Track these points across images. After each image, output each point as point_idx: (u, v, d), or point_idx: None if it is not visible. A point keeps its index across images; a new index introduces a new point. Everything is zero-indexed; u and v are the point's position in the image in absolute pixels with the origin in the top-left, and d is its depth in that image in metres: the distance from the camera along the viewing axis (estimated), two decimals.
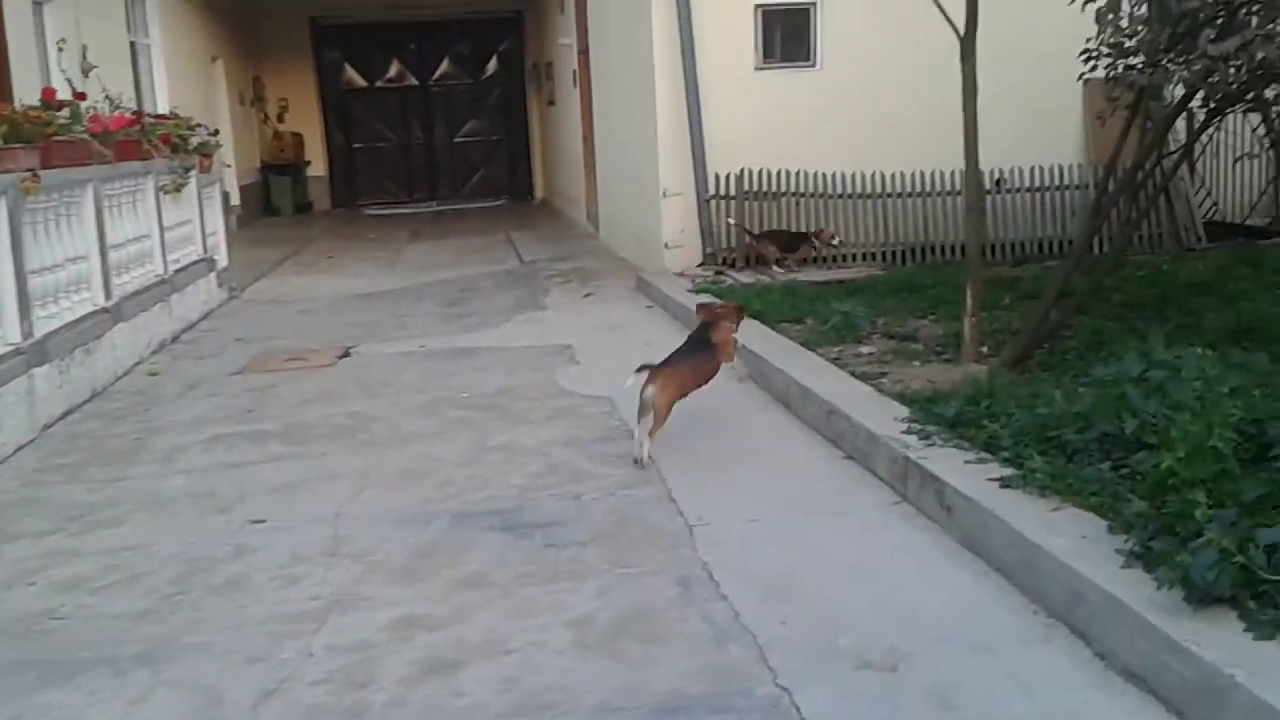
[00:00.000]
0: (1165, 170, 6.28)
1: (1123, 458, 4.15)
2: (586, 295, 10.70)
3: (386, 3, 21.47)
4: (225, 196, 18.45)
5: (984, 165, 10.57)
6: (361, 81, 23.66)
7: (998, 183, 10.79)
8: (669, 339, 8.37)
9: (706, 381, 5.71)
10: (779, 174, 10.53)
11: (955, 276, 9.38)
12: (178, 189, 9.83)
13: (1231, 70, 4.65)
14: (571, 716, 3.12)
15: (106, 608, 4.01)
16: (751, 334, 7.44)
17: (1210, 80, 4.82)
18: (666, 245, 10.83)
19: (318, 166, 23.58)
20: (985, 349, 6.61)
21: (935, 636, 3.48)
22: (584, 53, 14.67)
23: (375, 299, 11.42)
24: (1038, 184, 10.79)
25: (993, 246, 10.60)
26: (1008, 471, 4.32)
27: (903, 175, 10.55)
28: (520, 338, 8.81)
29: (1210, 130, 5.89)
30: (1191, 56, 4.70)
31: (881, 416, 5.24)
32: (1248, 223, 10.61)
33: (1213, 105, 5.51)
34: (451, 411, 6.61)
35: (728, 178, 10.49)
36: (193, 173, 10.56)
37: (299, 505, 5.09)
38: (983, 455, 4.55)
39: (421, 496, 5.10)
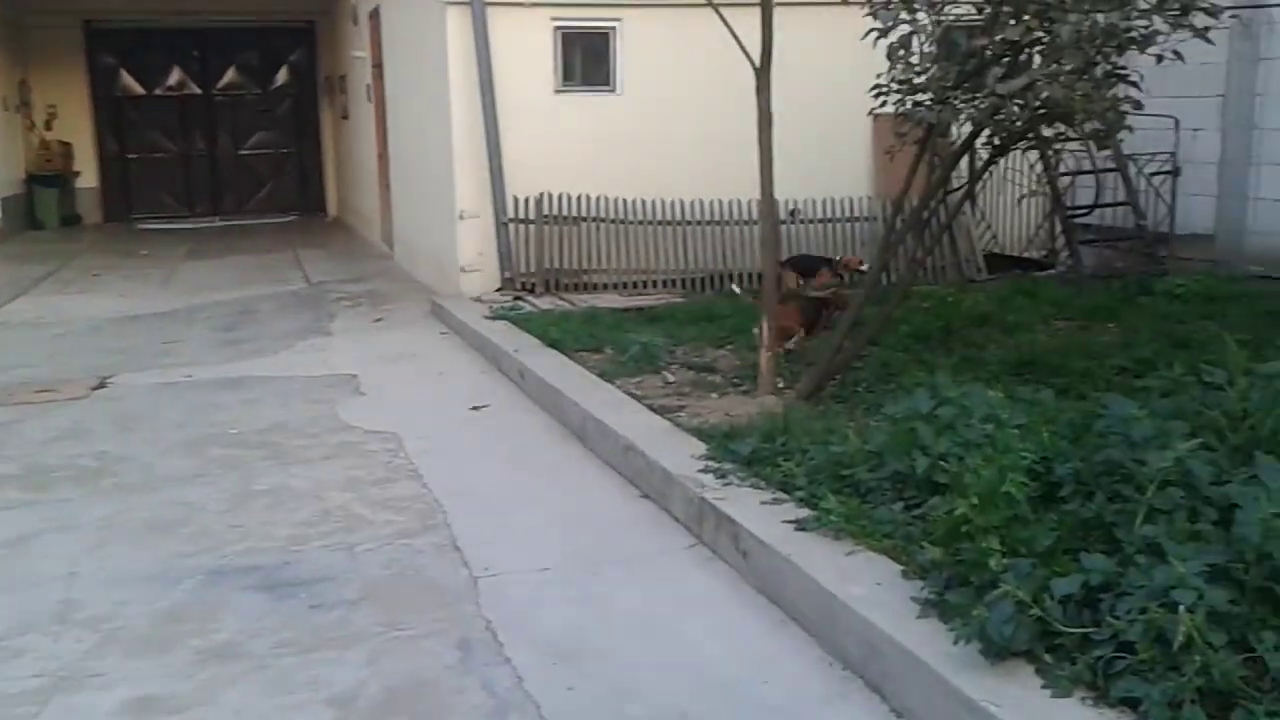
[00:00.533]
0: (950, 206, 6.38)
1: (915, 498, 4.08)
2: (377, 320, 10.18)
3: (167, 7, 20.20)
4: None
5: (779, 195, 10.82)
6: (139, 89, 22.14)
7: (792, 213, 10.90)
8: (463, 368, 8.05)
9: None
10: (579, 198, 10.32)
11: (753, 305, 9.42)
12: None
13: (1016, 108, 4.70)
14: None
15: None
16: (547, 365, 7.18)
17: (996, 118, 4.86)
18: (463, 269, 10.43)
19: (89, 178, 21.90)
20: (781, 381, 6.55)
21: (730, 698, 3.27)
22: (378, 66, 14.12)
23: (141, 322, 10.54)
24: (829, 215, 10.97)
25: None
26: (803, 513, 4.18)
27: (702, 203, 10.52)
28: (301, 366, 8.23)
29: (991, 166, 5.99)
30: (979, 95, 4.73)
31: (678, 453, 5.04)
32: (1025, 255, 11.07)
33: (997, 142, 5.60)
34: (215, 450, 6.03)
35: (527, 201, 10.20)
36: None
37: (28, 563, 4.47)
38: (779, 495, 4.40)
39: (171, 550, 4.56)
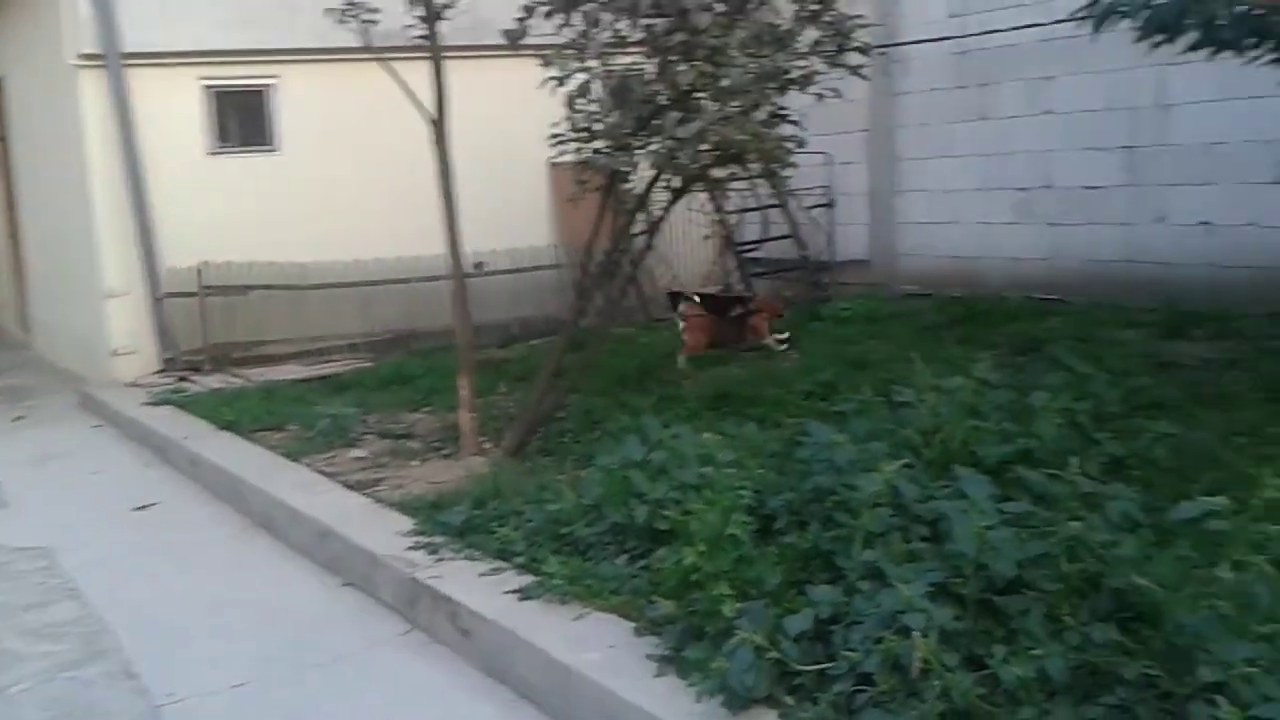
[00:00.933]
0: (636, 249, 6.41)
1: (638, 548, 3.95)
2: (17, 419, 8.99)
3: None
4: None
5: (463, 248, 10.62)
6: None
7: (478, 265, 10.72)
8: (124, 463, 7.22)
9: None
10: (245, 265, 9.63)
11: (445, 363, 9.08)
12: None
13: (692, 151, 4.74)
14: None
15: None
16: (222, 450, 6.57)
17: (675, 161, 4.89)
18: (114, 352, 9.46)
19: None
20: (485, 439, 6.30)
21: None
22: (2, 139, 12.70)
23: None
24: (516, 265, 10.87)
25: (477, 329, 10.47)
26: (526, 579, 3.95)
27: (382, 260, 10.11)
28: None
29: (670, 208, 6.07)
30: (657, 139, 4.74)
31: (382, 532, 4.68)
32: (704, 291, 11.44)
33: (676, 185, 5.66)
34: None
35: (187, 272, 9.40)
36: None
37: None
38: (497, 564, 4.15)
39: None
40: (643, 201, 5.60)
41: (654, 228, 6.21)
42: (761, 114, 4.76)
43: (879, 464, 3.41)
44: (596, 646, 3.36)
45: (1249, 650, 2.54)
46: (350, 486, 5.54)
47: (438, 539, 4.48)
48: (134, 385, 9.17)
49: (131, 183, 9.05)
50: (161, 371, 9.49)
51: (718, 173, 5.66)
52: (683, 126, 4.51)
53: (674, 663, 3.11)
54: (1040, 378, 4.91)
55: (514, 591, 3.85)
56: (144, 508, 6.12)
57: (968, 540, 2.93)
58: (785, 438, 5.07)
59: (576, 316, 6.03)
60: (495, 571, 4.08)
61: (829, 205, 10.86)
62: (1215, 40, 5.05)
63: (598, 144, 5.35)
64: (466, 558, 4.26)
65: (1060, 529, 2.98)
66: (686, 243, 11.12)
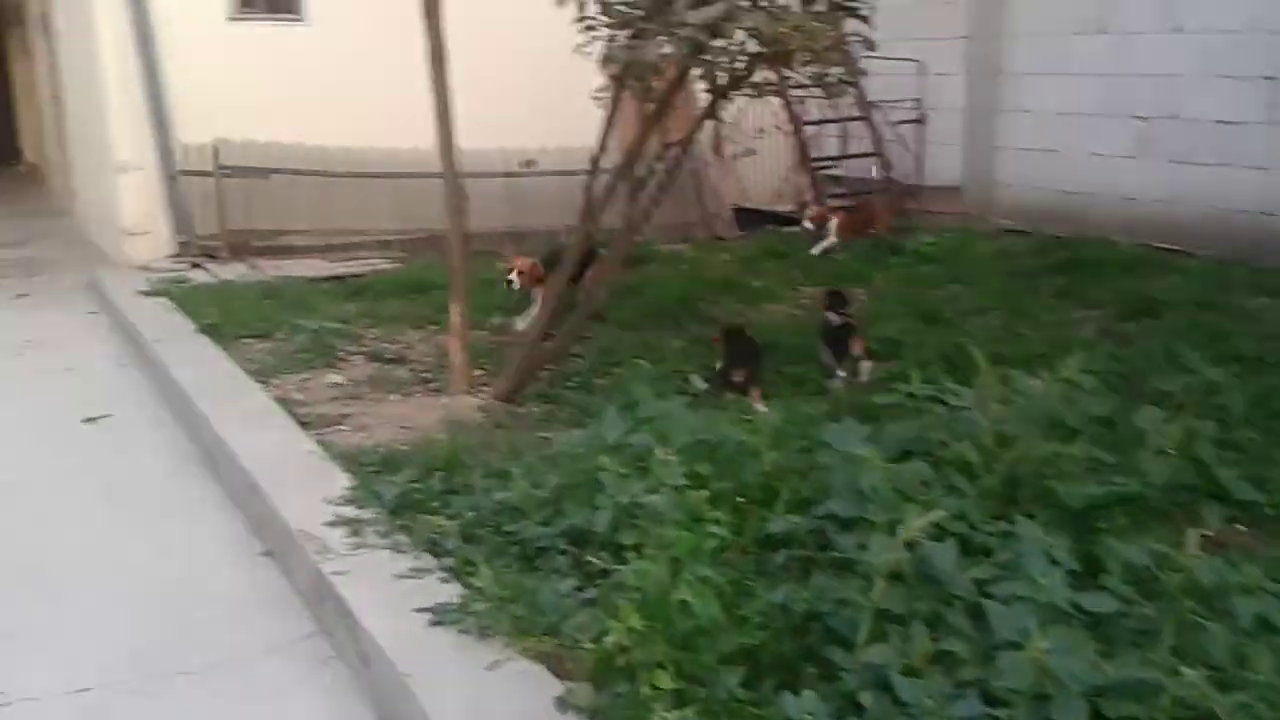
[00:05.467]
0: (674, 157, 5.38)
1: (596, 567, 3.04)
2: (20, 296, 8.38)
3: None
4: None
5: (514, 144, 9.64)
6: None
7: (528, 163, 9.79)
8: (101, 360, 6.51)
9: None
10: (266, 146, 8.79)
11: (481, 270, 8.26)
12: None
13: (722, 45, 3.69)
14: None
15: None
16: (189, 359, 5.81)
17: (703, 57, 3.84)
18: (128, 231, 8.76)
19: None
20: (484, 374, 5.44)
21: None
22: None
23: None
24: (568, 167, 9.85)
25: (521, 235, 9.58)
26: (448, 591, 3.09)
27: (417, 152, 9.17)
28: None
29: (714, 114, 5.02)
30: (672, 26, 3.69)
31: (311, 495, 3.84)
32: (776, 209, 10.34)
33: (717, 88, 4.61)
34: None
35: (200, 149, 8.60)
36: None
37: None
38: (422, 563, 3.29)
39: None
40: (667, 102, 4.57)
41: (690, 135, 5.18)
42: (819, 3, 3.67)
43: (908, 513, 2.43)
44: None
45: None
46: (305, 423, 4.73)
47: (367, 514, 3.64)
48: (145, 269, 8.48)
49: (141, 45, 8.21)
50: (176, 256, 8.79)
51: (767, 75, 4.61)
52: (698, 11, 3.46)
53: None
54: (1152, 373, 3.83)
55: (427, 610, 2.99)
56: (94, 419, 5.41)
57: (1019, 672, 1.96)
58: (826, 413, 4.12)
59: (585, 236, 5.06)
60: (416, 573, 3.22)
61: (919, 121, 9.59)
62: None
63: (623, 32, 4.32)
64: (391, 546, 3.41)
65: (1159, 654, 1.99)
66: (758, 156, 9.98)
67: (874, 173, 9.60)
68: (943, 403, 3.33)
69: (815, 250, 8.39)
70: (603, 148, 4.95)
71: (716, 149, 10.16)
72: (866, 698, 2.12)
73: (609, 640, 2.24)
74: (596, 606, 2.77)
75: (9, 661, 3.18)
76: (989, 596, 2.27)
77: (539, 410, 4.89)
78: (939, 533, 2.52)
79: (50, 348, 6.82)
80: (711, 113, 4.97)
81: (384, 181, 9.20)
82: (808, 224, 8.59)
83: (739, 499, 3.12)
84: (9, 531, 4.11)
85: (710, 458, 3.34)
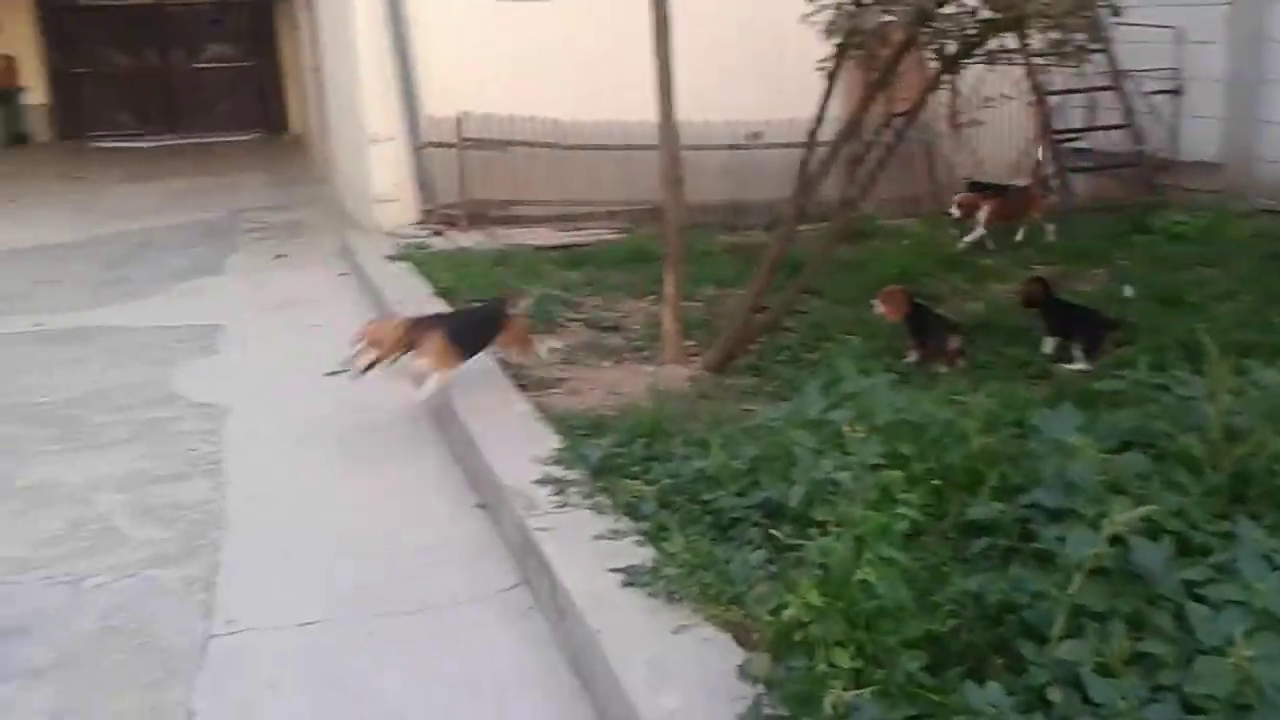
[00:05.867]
0: (898, 129, 5.22)
1: (788, 540, 3.03)
2: (279, 257, 9.08)
3: None
4: None
5: (745, 116, 9.60)
6: None
7: (754, 135, 9.75)
8: (348, 319, 6.92)
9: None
10: (507, 119, 9.13)
11: (696, 243, 8.33)
12: None
13: (956, 14, 3.55)
14: None
15: None
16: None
17: (930, 26, 3.71)
18: (378, 199, 9.30)
19: (37, 94, 20.68)
20: (696, 344, 5.50)
21: None
22: None
23: (28, 256, 9.47)
24: (794, 139, 9.75)
25: (744, 208, 9.57)
26: (643, 554, 3.15)
27: (646, 125, 9.28)
28: (165, 314, 7.19)
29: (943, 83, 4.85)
30: None
31: (523, 454, 4.00)
32: (1013, 184, 9.88)
33: (946, 56, 4.45)
34: (2, 428, 5.02)
35: (445, 121, 9.02)
36: None
37: None
38: (620, 525, 3.37)
39: None
40: (890, 70, 4.44)
41: (917, 106, 5.01)
42: None
43: (1113, 507, 2.29)
44: (682, 686, 2.52)
45: None
46: (524, 386, 4.91)
47: (572, 474, 3.76)
48: (391, 234, 9.00)
49: (392, 21, 8.67)
50: (420, 223, 9.27)
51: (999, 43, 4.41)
52: None
53: None
54: None
55: (621, 571, 3.06)
56: (335, 373, 5.79)
57: (1218, 678, 1.82)
58: (1046, 399, 3.95)
59: (798, 209, 5.00)
60: (613, 535, 3.30)
61: (1175, 92, 8.91)
62: None
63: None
64: (592, 507, 3.51)
65: None
66: (995, 127, 9.54)
67: (1122, 145, 9.01)
68: (1171, 392, 3.11)
69: (963, 243, 7.62)
70: (820, 119, 4.86)
71: (951, 121, 9.80)
72: (1055, 694, 2.02)
73: (786, 614, 2.23)
74: (779, 580, 2.77)
75: (242, 593, 3.47)
76: (1200, 599, 2.12)
77: (746, 383, 4.90)
78: (1153, 529, 2.37)
79: (303, 305, 7.36)
80: (939, 82, 4.80)
81: (614, 154, 9.37)
82: (954, 210, 7.80)
83: (939, 482, 3.04)
84: (250, 471, 4.48)
85: (914, 438, 3.26)
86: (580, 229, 9.17)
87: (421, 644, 3.16)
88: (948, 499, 3.19)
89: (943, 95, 9.70)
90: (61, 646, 3.16)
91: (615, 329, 5.94)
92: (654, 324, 5.77)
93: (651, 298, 6.53)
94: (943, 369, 4.75)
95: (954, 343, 4.79)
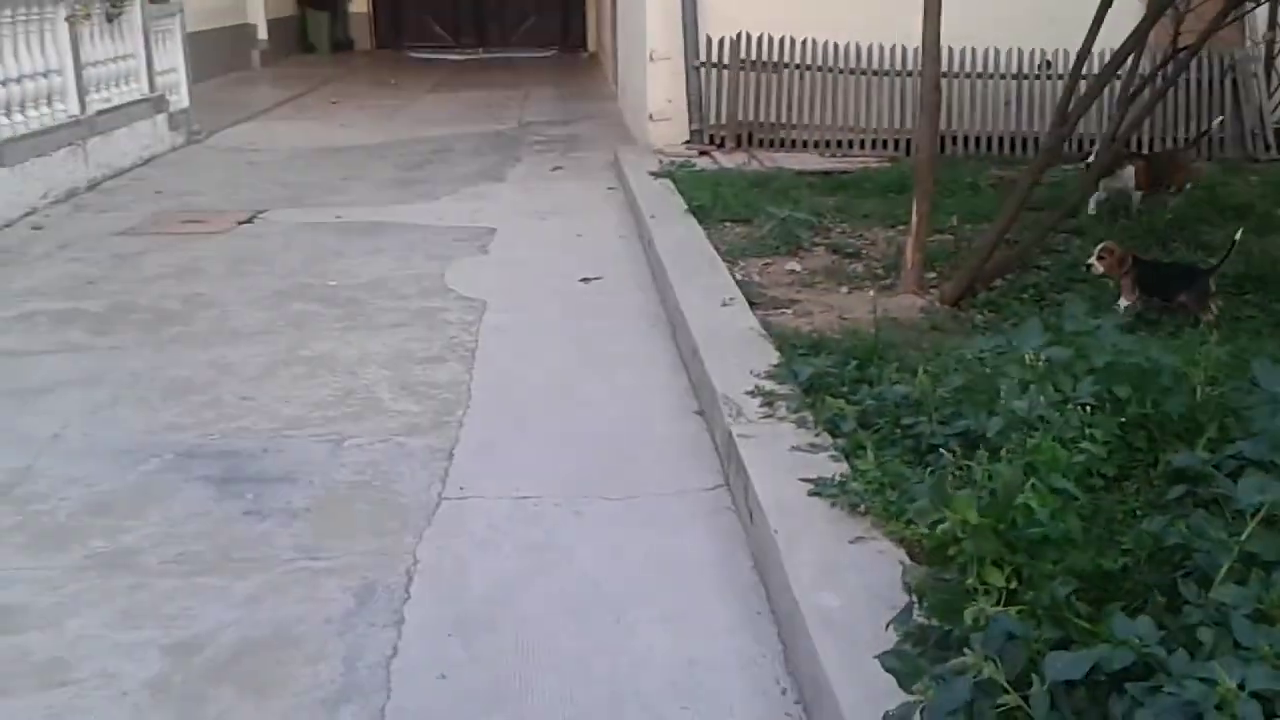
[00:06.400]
0: (1181, 62, 4.90)
1: (982, 470, 3.05)
2: (555, 169, 9.57)
3: None
4: (247, 29, 17.54)
5: (1038, 44, 9.15)
6: None
7: (1044, 65, 9.29)
8: (607, 230, 7.31)
9: None
10: (782, 41, 9.15)
11: (965, 174, 8.13)
12: (91, 18, 8.82)
13: None
14: None
15: None
16: (674, 236, 6.37)
17: None
18: (651, 117, 9.60)
19: (360, 3, 22.40)
20: (937, 275, 5.44)
21: None
22: None
23: (338, 155, 10.45)
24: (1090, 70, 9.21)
25: (1023, 142, 9.19)
26: (836, 469, 3.25)
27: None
28: (449, 215, 7.79)
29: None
30: None
31: (741, 366, 4.15)
32: None
33: None
34: (297, 305, 5.67)
35: (722, 42, 9.15)
36: (133, 1, 9.58)
37: (24, 417, 4.25)
38: (819, 439, 3.48)
39: (165, 421, 4.21)
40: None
41: (1203, 39, 4.68)
42: None
43: None
44: (847, 589, 2.64)
45: None
46: (756, 303, 5.05)
47: (783, 389, 3.88)
48: (660, 152, 9.28)
49: None
50: (688, 142, 9.50)
51: None
52: None
53: (899, 656, 2.31)
54: None
55: (810, 481, 3.18)
56: (588, 280, 6.15)
57: None
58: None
59: (1055, 144, 4.81)
60: (811, 448, 3.42)
61: None
62: None
63: None
64: (796, 421, 3.63)
65: None
66: None
67: None
68: None
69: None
70: (1088, 50, 4.63)
71: (1271, 59, 8.95)
72: (1205, 634, 1.99)
73: (941, 528, 2.29)
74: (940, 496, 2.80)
75: (474, 465, 3.84)
76: None
77: (982, 318, 4.82)
78: None
79: (569, 215, 7.76)
80: (1228, 14, 4.46)
81: (886, 79, 9.21)
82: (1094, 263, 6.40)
83: (1154, 428, 2.96)
84: (499, 361, 4.86)
85: (1133, 382, 3.17)
86: (848, 156, 9.13)
87: (622, 527, 3.41)
88: (1161, 446, 3.11)
89: (1261, 29, 8.88)
90: (318, 494, 3.63)
91: (858, 256, 5.95)
92: (898, 253, 5.73)
93: (902, 227, 6.45)
94: (1202, 318, 4.46)
95: (1197, 292, 4.48)
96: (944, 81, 9.15)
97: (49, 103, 8.22)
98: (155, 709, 2.56)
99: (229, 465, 3.83)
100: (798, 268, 5.73)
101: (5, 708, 2.56)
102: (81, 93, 8.60)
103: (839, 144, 9.28)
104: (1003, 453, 2.49)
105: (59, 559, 3.21)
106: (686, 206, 7.01)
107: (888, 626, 2.29)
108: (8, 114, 7.64)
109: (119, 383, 4.61)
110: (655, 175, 8.21)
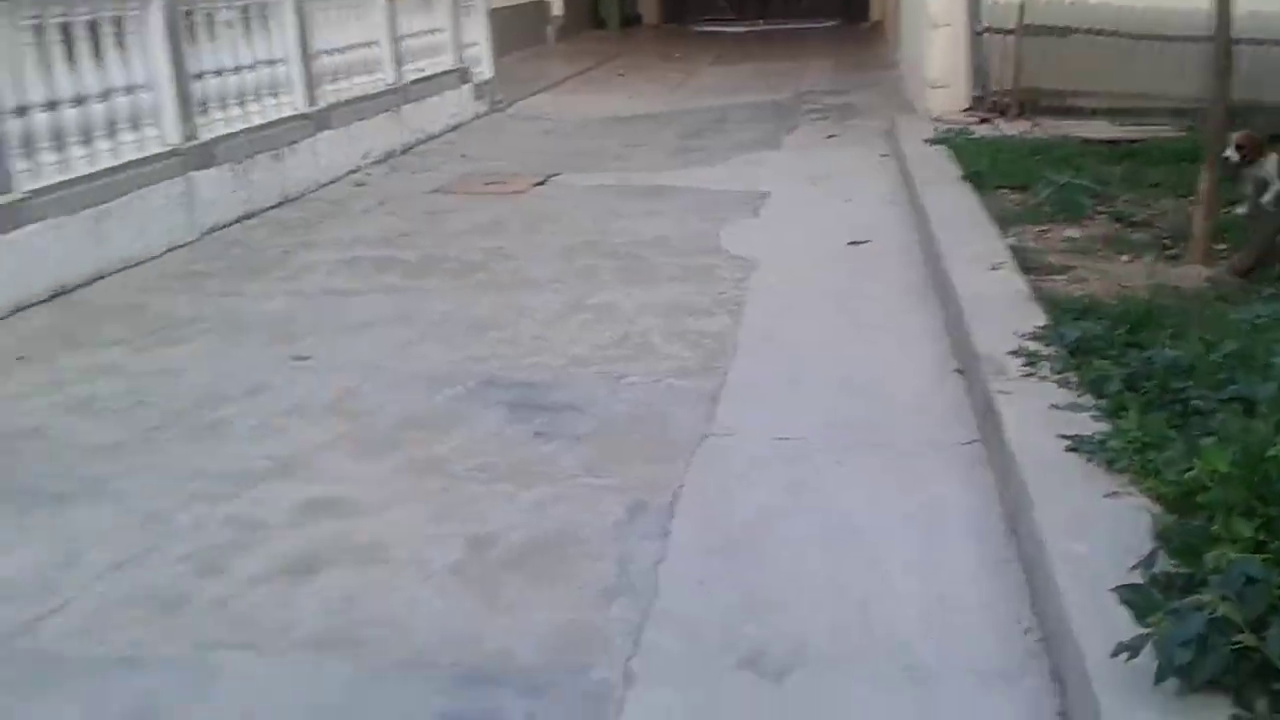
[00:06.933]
0: None
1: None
2: (830, 137, 9.68)
3: None
4: (542, 6, 18.51)
5: None
6: None
7: None
8: (876, 195, 7.39)
9: None
10: (1071, 4, 8.84)
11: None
12: None
13: None
14: (372, 658, 2.69)
15: (84, 436, 3.99)
16: (945, 201, 6.38)
17: None
18: (930, 84, 9.52)
19: None
20: (1226, 246, 5.22)
21: (861, 648, 2.69)
22: None
23: (624, 124, 10.98)
24: None
25: None
26: (1096, 428, 3.28)
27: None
28: (726, 180, 8.10)
29: None
30: None
31: (1005, 328, 4.19)
32: None
33: None
34: (585, 259, 6.13)
35: (1006, 7, 8.94)
36: None
37: (353, 348, 4.88)
38: (1081, 399, 3.50)
39: (468, 354, 4.72)
40: None
41: None
42: None
43: None
44: (1096, 537, 2.71)
45: None
46: (1028, 269, 5.03)
47: (1048, 350, 3.91)
48: (938, 120, 9.20)
49: None
50: (968, 109, 9.37)
51: None
52: None
53: (1136, 589, 2.38)
54: None
55: (1069, 438, 3.23)
56: (856, 243, 6.27)
57: None
58: None
59: None
60: (1072, 408, 3.45)
61: None
62: None
63: None
64: (1058, 381, 3.66)
65: None
66: None
67: None
68: None
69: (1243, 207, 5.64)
70: None
71: None
72: None
73: (1189, 475, 2.33)
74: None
75: (737, 408, 4.10)
76: None
77: (1273, 290, 4.60)
78: None
79: (840, 180, 7.88)
80: None
81: (1184, 45, 8.69)
82: (1231, 153, 5.48)
83: None
84: (765, 315, 5.09)
85: None
86: (1139, 124, 8.70)
87: (877, 475, 3.58)
88: None
89: None
90: (598, 423, 4.00)
91: (1143, 225, 5.77)
92: (1188, 223, 5.52)
93: (1193, 198, 6.18)
94: None
95: None
96: (1238, 48, 8.61)
97: (369, 72, 9.12)
98: (457, 589, 2.98)
99: (522, 394, 4.27)
100: (1076, 235, 5.63)
101: (335, 577, 3.05)
102: (398, 63, 9.48)
103: (1131, 112, 8.86)
104: (1260, 409, 2.48)
105: (381, 463, 3.73)
106: (961, 173, 6.98)
107: (1131, 569, 2.37)
108: (334, 80, 8.54)
109: (429, 320, 5.19)
110: (930, 142, 8.18)
